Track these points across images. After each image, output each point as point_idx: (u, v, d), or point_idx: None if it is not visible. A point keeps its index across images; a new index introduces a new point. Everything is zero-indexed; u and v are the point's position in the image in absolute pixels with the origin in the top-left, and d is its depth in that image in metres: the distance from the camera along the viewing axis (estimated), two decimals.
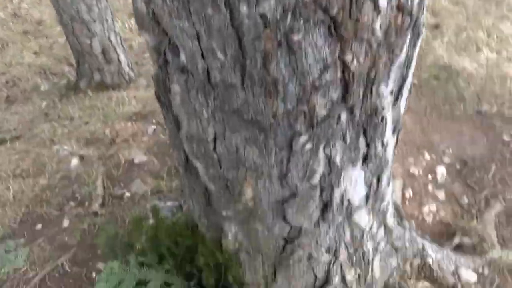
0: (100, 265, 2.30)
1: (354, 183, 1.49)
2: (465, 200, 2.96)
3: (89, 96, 4.16)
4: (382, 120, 1.34)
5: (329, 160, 1.33)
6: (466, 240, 2.63)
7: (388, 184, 1.76)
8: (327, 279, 1.86)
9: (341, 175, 1.40)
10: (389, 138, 1.47)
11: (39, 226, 2.56)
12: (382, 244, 2.02)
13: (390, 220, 2.03)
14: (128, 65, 4.42)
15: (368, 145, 1.40)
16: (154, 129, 3.61)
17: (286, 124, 1.20)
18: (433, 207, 2.94)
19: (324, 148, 1.29)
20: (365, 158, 1.44)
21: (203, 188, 1.62)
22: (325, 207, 1.53)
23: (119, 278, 1.87)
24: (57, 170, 3.03)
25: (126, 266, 1.92)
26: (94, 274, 2.27)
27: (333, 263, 1.81)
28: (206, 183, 1.54)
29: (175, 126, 1.43)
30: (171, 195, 2.67)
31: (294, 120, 1.19)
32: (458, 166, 3.22)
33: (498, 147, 3.36)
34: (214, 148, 1.35)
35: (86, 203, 2.72)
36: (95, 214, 2.61)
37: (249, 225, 1.63)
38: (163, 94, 1.38)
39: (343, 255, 1.82)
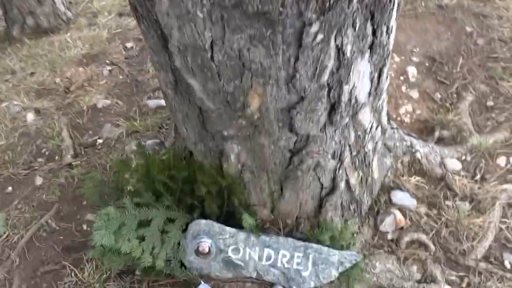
0: (90, 216, 2.15)
1: (361, 78, 1.40)
2: (438, 96, 3.00)
3: (26, 44, 3.71)
4: (390, 0, 1.23)
5: (339, 51, 1.22)
6: (445, 132, 2.69)
7: (386, 78, 1.69)
8: (333, 186, 1.83)
9: (350, 69, 1.30)
10: (393, 22, 1.37)
11: (9, 188, 2.34)
12: (379, 144, 2.00)
13: (384, 119, 1.99)
14: (63, 4, 3.93)
15: (374, 32, 1.30)
16: (110, 70, 3.32)
17: (296, 12, 1.06)
18: (409, 107, 2.96)
19: (335, 37, 1.17)
20: (371, 48, 1.34)
21: (197, 110, 1.47)
22: (333, 108, 1.44)
23: (119, 222, 1.74)
24: (13, 128, 2.73)
25: (123, 210, 1.79)
26: (85, 227, 2.13)
27: (339, 169, 1.78)
28: (202, 102, 1.40)
29: (160, 40, 1.25)
30: (149, 133, 2.50)
31: (305, 5, 1.05)
32: (427, 64, 3.23)
33: (462, 39, 3.38)
34: (212, 57, 1.19)
35: (57, 157, 2.50)
36: (70, 166, 2.41)
37: (253, 142, 1.53)
38: (141, 1, 1.18)
39: (347, 158, 1.78)
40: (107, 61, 3.41)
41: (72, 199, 2.25)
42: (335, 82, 1.33)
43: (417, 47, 3.36)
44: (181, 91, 1.42)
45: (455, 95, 3.00)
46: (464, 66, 3.16)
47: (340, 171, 1.78)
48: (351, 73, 1.32)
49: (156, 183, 1.84)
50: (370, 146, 1.87)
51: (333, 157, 1.70)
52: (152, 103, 2.85)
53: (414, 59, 3.29)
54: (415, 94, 3.06)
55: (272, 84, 1.25)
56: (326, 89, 1.34)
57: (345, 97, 1.40)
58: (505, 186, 2.29)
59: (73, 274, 1.91)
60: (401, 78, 3.16)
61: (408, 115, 2.98)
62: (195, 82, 1.31)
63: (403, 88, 3.11)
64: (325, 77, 1.28)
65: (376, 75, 1.52)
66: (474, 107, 2.92)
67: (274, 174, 1.69)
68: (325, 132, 1.54)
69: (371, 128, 1.78)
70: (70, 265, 1.96)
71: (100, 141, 2.56)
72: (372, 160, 1.97)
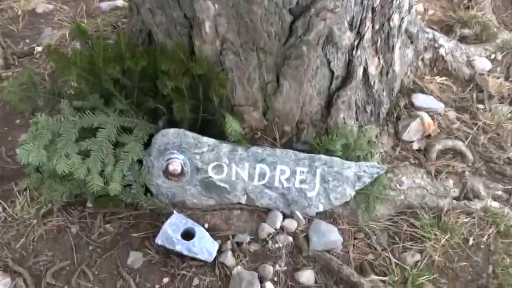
0: (24, 137, 1.64)
1: None
2: None
3: None
4: None
5: None
6: (467, 31, 2.24)
7: None
8: (347, 75, 1.34)
9: None
10: None
11: None
12: (405, 23, 1.50)
13: None
14: None
15: None
16: None
17: None
18: (420, 7, 2.48)
19: None
20: None
21: None
22: None
23: (52, 132, 1.24)
24: None
25: (59, 116, 1.28)
26: (18, 151, 1.62)
27: (357, 47, 1.28)
28: None
29: None
30: (100, 34, 1.94)
31: None
32: None
33: None
34: None
35: None
36: None
37: None
38: None
39: (368, 32, 1.28)
40: None
41: (2, 117, 1.73)
42: None
43: None
44: None
45: None
46: None
47: (358, 52, 1.29)
48: None
49: (103, 81, 1.32)
50: (396, 20, 1.37)
51: (351, 26, 1.20)
52: (105, 5, 2.27)
53: None
54: None
55: None
56: None
57: None
58: None
59: (0, 209, 1.43)
60: None
61: (419, 16, 2.48)
62: None
63: None
64: None
65: None
66: (497, 3, 2.47)
67: (267, 54, 1.19)
68: None
69: None
70: None
71: (38, 48, 2.01)
72: (394, 45, 1.48)
